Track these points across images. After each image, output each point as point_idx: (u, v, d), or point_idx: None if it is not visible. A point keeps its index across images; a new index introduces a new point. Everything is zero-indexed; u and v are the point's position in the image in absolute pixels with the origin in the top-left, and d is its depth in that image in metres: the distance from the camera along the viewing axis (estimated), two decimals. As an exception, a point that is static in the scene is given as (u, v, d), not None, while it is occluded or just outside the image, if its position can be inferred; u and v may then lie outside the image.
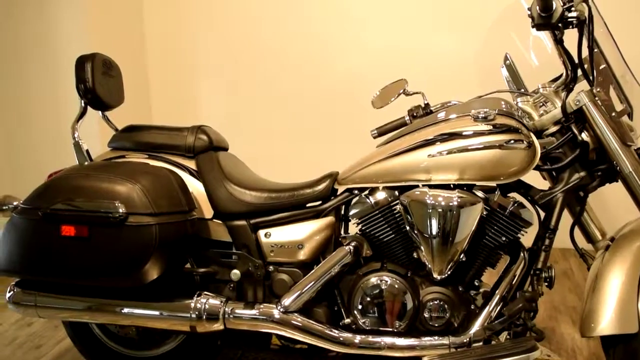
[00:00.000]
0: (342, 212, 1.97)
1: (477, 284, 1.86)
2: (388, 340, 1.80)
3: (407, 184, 1.80)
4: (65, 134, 2.15)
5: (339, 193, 1.97)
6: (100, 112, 2.13)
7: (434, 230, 1.73)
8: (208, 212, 1.98)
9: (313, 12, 3.99)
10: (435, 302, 1.83)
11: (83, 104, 2.04)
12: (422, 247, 1.78)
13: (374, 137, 2.07)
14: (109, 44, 3.68)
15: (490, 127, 1.72)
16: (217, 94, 4.26)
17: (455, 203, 1.71)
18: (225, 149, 2.17)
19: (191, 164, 2.02)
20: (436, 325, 1.83)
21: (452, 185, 1.77)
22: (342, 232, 1.99)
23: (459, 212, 1.71)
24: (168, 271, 1.83)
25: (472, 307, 1.84)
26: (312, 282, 1.86)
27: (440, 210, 1.71)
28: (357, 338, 1.82)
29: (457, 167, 1.74)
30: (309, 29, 4.00)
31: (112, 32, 3.88)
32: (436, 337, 1.79)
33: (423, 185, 1.78)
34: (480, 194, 1.77)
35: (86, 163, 2.03)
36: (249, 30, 4.11)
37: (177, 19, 4.22)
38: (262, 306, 1.89)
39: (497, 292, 1.81)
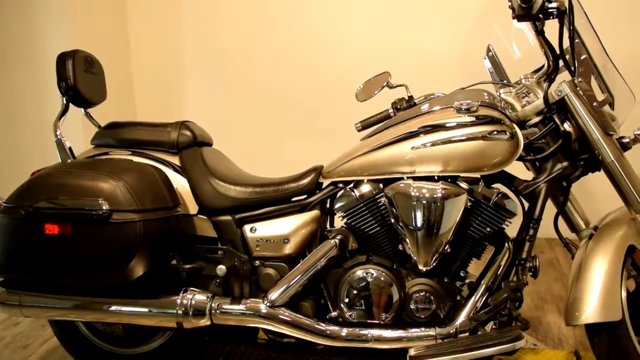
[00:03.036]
0: (327, 205, 1.97)
1: (462, 274, 1.86)
2: (375, 332, 1.80)
3: (391, 177, 1.81)
4: (48, 132, 2.13)
5: (323, 187, 1.97)
6: (82, 109, 2.12)
7: (419, 222, 1.73)
8: (193, 208, 1.97)
9: (296, 10, 3.98)
10: (421, 294, 1.84)
11: (65, 101, 2.02)
12: (407, 239, 1.78)
13: (358, 130, 2.07)
14: (92, 42, 3.65)
15: (473, 119, 1.72)
16: (202, 90, 4.24)
17: (440, 195, 1.71)
18: (210, 145, 2.16)
19: (175, 160, 2.01)
20: (422, 316, 1.84)
21: (436, 177, 1.77)
22: (328, 225, 1.99)
23: (443, 204, 1.71)
24: (153, 268, 1.83)
25: (458, 298, 1.85)
26: (299, 276, 1.85)
27: (424, 202, 1.72)
28: (344, 331, 1.82)
29: (440, 159, 1.74)
30: (291, 25, 3.99)
31: (95, 29, 3.85)
32: (422, 329, 1.79)
33: (407, 178, 1.78)
34: (464, 185, 1.78)
35: (69, 161, 2.01)
36: (233, 28, 4.09)
37: (161, 15, 4.20)
38: (248, 301, 1.89)
39: (482, 282, 1.82)
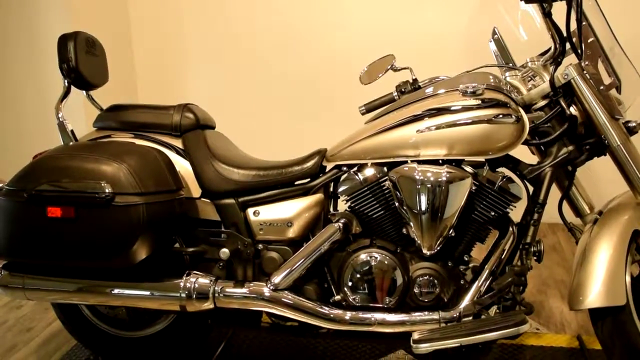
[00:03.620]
0: (331, 189, 1.97)
1: (466, 259, 1.86)
2: (378, 316, 1.81)
3: (395, 160, 1.80)
4: (50, 115, 2.12)
5: (327, 170, 1.96)
6: (84, 91, 2.10)
7: (423, 206, 1.73)
8: (196, 191, 1.97)
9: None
10: (425, 278, 1.84)
11: (66, 84, 2.01)
12: (411, 223, 1.78)
13: (362, 114, 2.07)
14: (93, 24, 3.63)
15: (479, 102, 1.72)
16: (205, 73, 4.22)
17: (444, 178, 1.71)
18: (212, 127, 2.15)
19: (178, 143, 2.01)
20: (426, 300, 1.84)
21: (440, 161, 1.77)
22: (331, 209, 1.99)
23: (448, 188, 1.71)
24: (157, 251, 1.83)
25: (462, 282, 1.85)
26: (302, 260, 1.86)
27: (429, 185, 1.71)
28: (348, 314, 1.82)
29: (445, 143, 1.74)
30: (295, 8, 3.95)
31: (96, 11, 3.82)
32: (426, 313, 1.80)
33: (412, 161, 1.78)
34: (469, 169, 1.77)
35: (71, 143, 2.01)
36: (237, 10, 4.06)
37: (162, -3, 4.17)
38: (252, 284, 1.89)
39: (486, 266, 1.82)
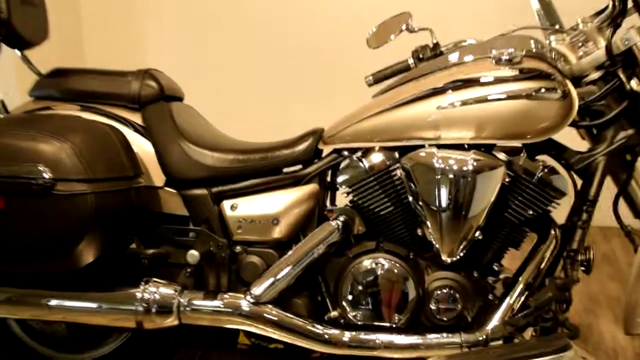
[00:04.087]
0: (329, 178, 1.99)
1: (496, 268, 1.88)
2: (385, 338, 1.82)
3: (410, 144, 1.81)
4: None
5: (324, 155, 1.98)
6: (17, 50, 2.09)
7: (443, 202, 1.74)
8: (158, 178, 1.98)
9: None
10: (444, 291, 1.85)
11: (-6, 41, 2.01)
12: (428, 222, 1.79)
13: (369, 85, 2.07)
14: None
15: (516, 73, 1.72)
16: (171, 31, 4.21)
17: (471, 167, 1.72)
18: (180, 99, 2.16)
19: (136, 118, 2.01)
20: (445, 319, 1.86)
21: (466, 146, 1.78)
22: (328, 203, 2.01)
23: (475, 179, 1.71)
24: (108, 253, 1.84)
25: (490, 297, 1.87)
26: (290, 266, 1.87)
27: (451, 176, 1.72)
28: (347, 335, 1.84)
29: (473, 123, 1.74)
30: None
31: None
32: (445, 334, 1.81)
33: (430, 145, 1.79)
34: (501, 156, 1.78)
35: (1, 116, 2.01)
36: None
37: None
38: (226, 296, 1.91)
39: (521, 278, 1.84)
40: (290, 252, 1.90)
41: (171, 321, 1.89)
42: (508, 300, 1.82)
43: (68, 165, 1.71)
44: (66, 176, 1.70)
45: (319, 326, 1.86)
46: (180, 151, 1.96)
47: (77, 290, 1.90)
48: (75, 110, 2.01)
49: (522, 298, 1.82)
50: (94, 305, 1.89)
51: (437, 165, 1.73)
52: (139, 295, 1.88)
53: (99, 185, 1.74)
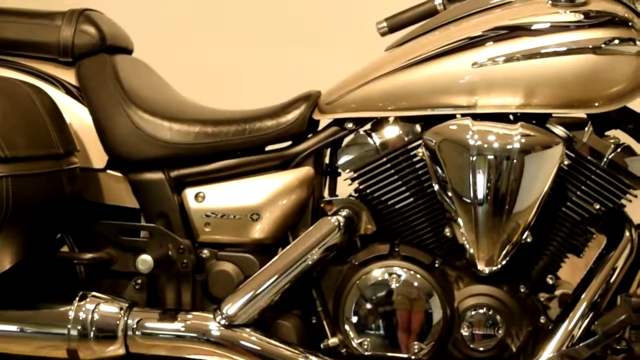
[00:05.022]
0: (327, 159, 1.99)
1: (550, 281, 1.86)
2: (401, 373, 1.82)
3: (436, 113, 1.80)
4: None
5: (321, 127, 1.97)
6: None
7: (480, 191, 1.72)
8: (98, 158, 1.98)
9: None
10: (481, 312, 1.83)
11: None
12: (459, 220, 1.77)
13: (382, 34, 2.05)
14: None
15: (580, 17, 1.71)
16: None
17: (517, 145, 1.69)
18: (128, 52, 2.16)
19: (69, 76, 2.01)
20: (481, 349, 1.84)
21: (512, 116, 1.77)
22: (326, 193, 2.00)
23: (523, 161, 1.69)
24: (30, 258, 1.84)
25: (543, 320, 1.85)
26: (275, 277, 1.85)
27: (490, 156, 1.70)
28: (350, 370, 1.83)
29: (521, 85, 1.73)
30: None
31: None
32: (481, 369, 1.81)
33: (463, 116, 1.77)
34: (559, 130, 1.77)
35: None
36: None
37: None
38: (189, 316, 1.89)
39: (584, 295, 1.81)
40: (275, 259, 1.88)
41: (115, 349, 1.87)
42: (566, 325, 1.79)
43: None
44: None
45: (313, 357, 1.85)
46: (127, 121, 1.94)
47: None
48: (-12, 67, 2.00)
49: (586, 322, 1.79)
50: (12, 328, 1.87)
51: (471, 142, 1.71)
52: (71, 314, 1.86)
53: (17, 166, 1.71)
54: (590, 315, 1.79)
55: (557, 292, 1.87)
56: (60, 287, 1.95)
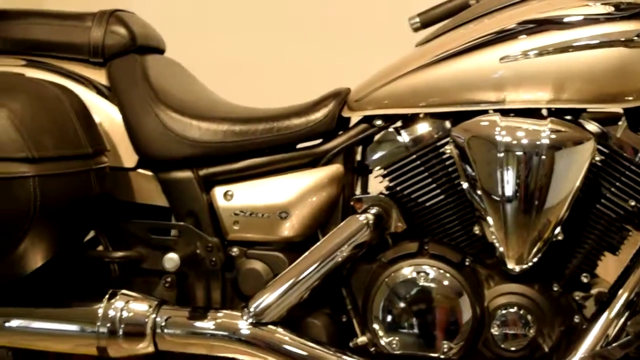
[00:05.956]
0: (358, 156, 1.98)
1: (585, 280, 1.83)
2: (429, 373, 1.81)
3: (466, 109, 1.79)
4: None
5: (351, 125, 1.97)
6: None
7: (510, 189, 1.71)
8: (129, 157, 2.00)
9: None
10: (512, 311, 1.81)
11: None
12: (488, 217, 1.76)
13: (415, 30, 2.05)
14: None
15: (610, 9, 1.70)
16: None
17: (547, 141, 1.68)
18: (160, 52, 2.18)
19: (100, 76, 2.03)
20: (513, 349, 1.82)
21: (544, 112, 1.76)
22: (358, 190, 2.00)
23: (553, 157, 1.68)
24: (62, 257, 1.85)
25: (577, 320, 1.83)
26: (303, 275, 1.85)
27: (519, 153, 1.69)
28: (378, 369, 1.82)
29: (550, 80, 1.72)
30: None
31: None
32: (512, 370, 1.79)
33: (493, 112, 1.76)
34: (592, 126, 1.75)
35: None
36: None
37: None
38: (219, 314, 1.90)
39: (619, 293, 1.78)
40: (302, 257, 1.88)
41: (144, 347, 1.89)
42: (600, 324, 1.76)
43: (3, 139, 1.69)
44: (1, 154, 1.69)
45: (343, 356, 1.85)
46: (156, 121, 1.96)
47: (20, 305, 1.92)
48: (18, 66, 2.02)
49: (621, 321, 1.76)
50: (41, 325, 1.89)
51: (498, 138, 1.70)
52: (100, 312, 1.87)
53: (45, 166, 1.72)
54: (626, 314, 1.76)
55: (594, 291, 1.85)
56: (93, 285, 1.96)
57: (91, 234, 2.11)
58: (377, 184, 1.94)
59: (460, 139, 1.75)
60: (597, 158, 1.72)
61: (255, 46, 3.89)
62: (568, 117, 1.74)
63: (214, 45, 3.63)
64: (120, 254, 1.98)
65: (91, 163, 1.86)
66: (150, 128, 1.96)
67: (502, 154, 1.69)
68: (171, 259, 1.91)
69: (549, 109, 1.75)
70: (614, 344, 1.75)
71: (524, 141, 1.69)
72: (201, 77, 2.23)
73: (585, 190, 1.73)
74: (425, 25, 2.03)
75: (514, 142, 1.69)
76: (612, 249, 1.83)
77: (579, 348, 1.76)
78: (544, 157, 1.67)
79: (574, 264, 1.82)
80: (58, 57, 2.03)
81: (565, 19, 1.71)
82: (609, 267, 1.89)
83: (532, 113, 1.75)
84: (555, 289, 1.83)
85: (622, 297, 1.77)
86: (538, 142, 1.68)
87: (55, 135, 1.79)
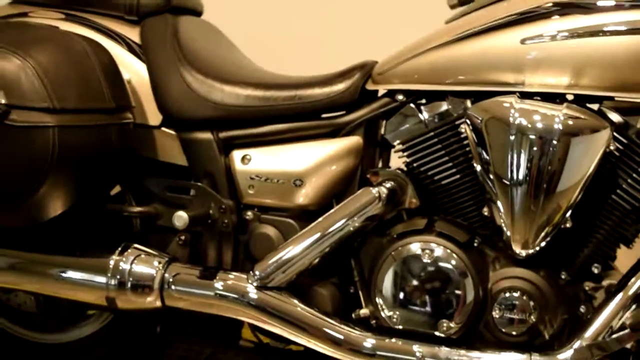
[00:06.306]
0: (382, 129, 1.96)
1: (596, 271, 1.80)
2: (428, 349, 1.79)
3: (486, 89, 1.77)
4: None
5: (375, 98, 1.95)
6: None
7: (518, 172, 1.69)
8: (154, 115, 2.02)
9: None
10: (515, 295, 1.79)
11: None
12: (498, 200, 1.74)
13: (452, 7, 2.01)
14: None
15: None
16: None
17: (559, 126, 1.65)
18: (197, 14, 2.19)
19: (133, 34, 2.05)
20: (513, 333, 1.80)
21: (566, 96, 1.72)
22: (379, 163, 2.00)
23: (563, 143, 1.65)
24: (82, 207, 1.89)
25: (583, 309, 1.81)
26: (310, 242, 1.85)
27: (530, 136, 1.67)
28: (376, 341, 1.81)
29: (569, 65, 1.69)
30: None
31: None
32: (511, 353, 1.77)
33: (512, 93, 1.74)
34: (614, 115, 1.72)
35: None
36: None
37: None
38: (224, 275, 1.91)
39: (627, 286, 1.75)
40: (311, 225, 1.88)
41: (151, 302, 1.91)
42: (605, 316, 1.73)
43: (27, 89, 1.72)
44: (23, 103, 1.72)
45: (344, 327, 1.84)
46: (181, 81, 1.98)
47: (37, 251, 1.96)
48: (56, 20, 2.05)
49: (627, 314, 1.73)
50: (54, 271, 1.93)
51: (511, 119, 1.68)
52: (111, 263, 1.91)
53: (66, 117, 1.76)
54: (633, 307, 1.73)
55: (604, 283, 1.81)
56: (111, 238, 1.98)
57: (118, 189, 2.16)
58: (399, 160, 1.93)
59: (475, 117, 1.74)
60: (612, 148, 1.69)
61: (294, 15, 3.89)
62: (590, 105, 1.71)
63: (254, 14, 3.65)
64: (137, 209, 2.01)
65: (113, 118, 1.88)
66: (174, 88, 1.97)
67: (512, 136, 1.68)
68: (180, 217, 1.92)
69: (575, 96, 1.72)
70: (612, 337, 1.72)
71: (537, 125, 1.67)
72: (236, 42, 2.23)
73: (601, 179, 1.71)
74: (462, 2, 2.00)
75: (527, 124, 1.67)
76: (625, 241, 1.80)
77: (581, 337, 1.74)
78: (555, 142, 1.65)
79: (585, 253, 1.79)
80: (95, 12, 2.05)
81: (590, 3, 1.68)
82: (622, 259, 1.86)
83: (555, 98, 1.72)
84: (563, 277, 1.80)
85: (631, 289, 1.74)
86: (550, 127, 1.66)
87: (79, 88, 1.82)
